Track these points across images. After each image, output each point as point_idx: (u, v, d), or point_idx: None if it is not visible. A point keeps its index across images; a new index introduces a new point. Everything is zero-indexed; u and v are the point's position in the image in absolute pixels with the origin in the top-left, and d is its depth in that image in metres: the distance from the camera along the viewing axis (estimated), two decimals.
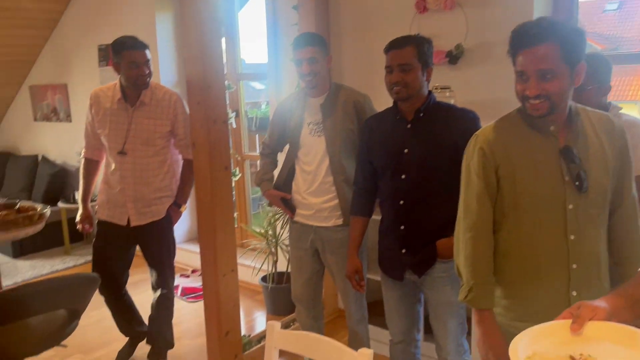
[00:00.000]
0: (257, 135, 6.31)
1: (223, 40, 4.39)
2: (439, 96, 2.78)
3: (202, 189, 2.82)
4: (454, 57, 2.94)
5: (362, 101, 2.48)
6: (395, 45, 2.04)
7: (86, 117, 2.85)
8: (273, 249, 3.79)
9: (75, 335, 3.44)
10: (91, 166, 2.93)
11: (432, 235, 2.07)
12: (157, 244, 2.88)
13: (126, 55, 2.61)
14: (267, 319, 3.77)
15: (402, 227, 2.09)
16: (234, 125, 4.46)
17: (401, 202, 2.07)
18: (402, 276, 2.15)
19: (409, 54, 2.00)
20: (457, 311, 2.12)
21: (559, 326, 1.11)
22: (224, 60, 4.41)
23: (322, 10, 3.40)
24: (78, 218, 2.91)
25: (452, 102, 2.78)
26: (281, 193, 2.57)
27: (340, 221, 2.48)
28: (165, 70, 4.68)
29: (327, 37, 3.44)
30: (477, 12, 2.86)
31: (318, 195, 2.48)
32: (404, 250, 2.11)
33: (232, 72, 4.46)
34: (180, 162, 2.93)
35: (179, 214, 2.95)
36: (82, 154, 2.93)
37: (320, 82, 2.42)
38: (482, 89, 2.90)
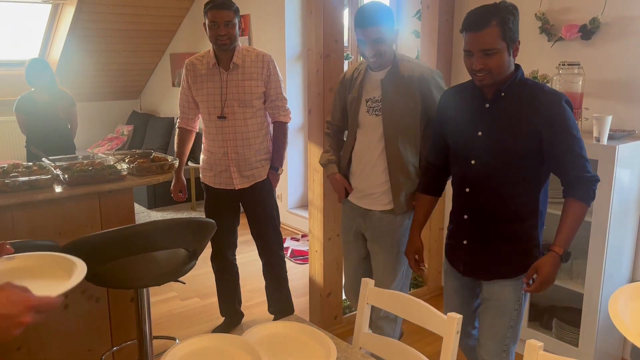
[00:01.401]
0: None
1: (346, 11, 4.48)
2: (566, 73, 2.63)
3: (314, 154, 2.95)
4: (587, 32, 2.73)
5: (429, 77, 2.23)
6: (473, 27, 1.71)
7: (181, 87, 2.89)
8: None
9: (195, 280, 3.82)
10: (185, 135, 2.95)
11: (498, 230, 1.87)
12: (261, 207, 2.90)
13: (209, 14, 2.60)
14: None
15: (466, 217, 1.92)
16: None
17: (467, 189, 1.89)
18: (461, 268, 2.00)
19: (492, 36, 1.68)
20: (510, 311, 1.91)
21: None
22: (347, 31, 4.49)
23: None
24: (172, 187, 2.98)
25: (580, 80, 2.60)
26: (346, 182, 2.39)
27: (389, 206, 2.30)
28: (291, 42, 4.86)
29: (451, 13, 3.36)
30: None
31: (370, 178, 2.31)
32: (465, 242, 1.95)
33: (354, 44, 4.52)
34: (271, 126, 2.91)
35: (277, 177, 2.93)
36: (177, 123, 2.99)
37: (386, 60, 2.21)
38: (617, 68, 2.67)
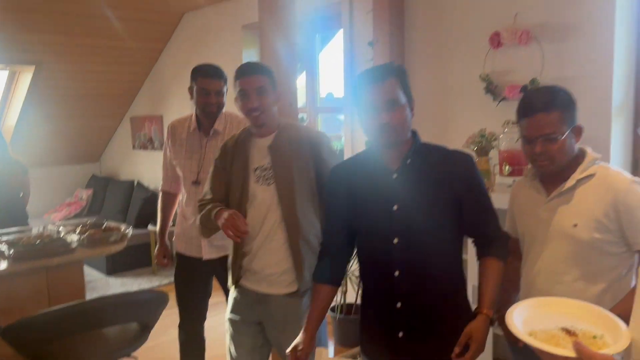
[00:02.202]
0: None
1: (304, 75, 4.60)
2: (511, 131, 2.74)
3: None
4: None
5: (319, 141, 2.10)
6: (532, 111, 1.62)
7: (163, 149, 2.88)
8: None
9: (150, 351, 3.66)
10: (168, 199, 2.90)
11: (439, 311, 1.66)
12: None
13: (199, 81, 2.61)
14: (335, 351, 3.78)
15: (399, 305, 1.65)
16: None
17: (396, 273, 1.64)
18: None
19: (555, 121, 1.59)
20: None
21: (549, 301, 1.31)
22: (304, 95, 4.60)
23: (396, 46, 3.47)
24: (155, 252, 2.89)
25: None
26: (240, 215, 1.99)
27: (292, 288, 2.05)
28: None
29: None
30: (554, 47, 2.80)
31: (267, 256, 2.05)
32: (401, 334, 1.66)
33: (311, 106, 4.62)
34: None
35: None
36: (160, 187, 2.95)
37: (269, 120, 2.05)
38: None
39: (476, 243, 1.73)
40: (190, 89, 2.68)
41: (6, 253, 2.22)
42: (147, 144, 6.31)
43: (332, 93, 6.15)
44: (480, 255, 1.70)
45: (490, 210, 1.69)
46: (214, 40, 5.17)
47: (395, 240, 1.63)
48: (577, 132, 1.67)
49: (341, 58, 4.00)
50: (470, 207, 1.65)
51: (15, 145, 5.42)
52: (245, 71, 2.02)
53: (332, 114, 5.59)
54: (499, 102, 3.01)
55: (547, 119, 1.59)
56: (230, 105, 2.38)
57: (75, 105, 6.10)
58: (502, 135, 2.78)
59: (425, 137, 1.74)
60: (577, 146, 1.70)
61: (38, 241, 2.30)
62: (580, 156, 1.70)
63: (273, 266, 2.05)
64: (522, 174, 1.93)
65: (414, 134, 1.69)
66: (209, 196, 2.15)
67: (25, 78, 5.54)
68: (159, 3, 4.94)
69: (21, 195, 4.19)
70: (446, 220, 1.64)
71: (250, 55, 4.87)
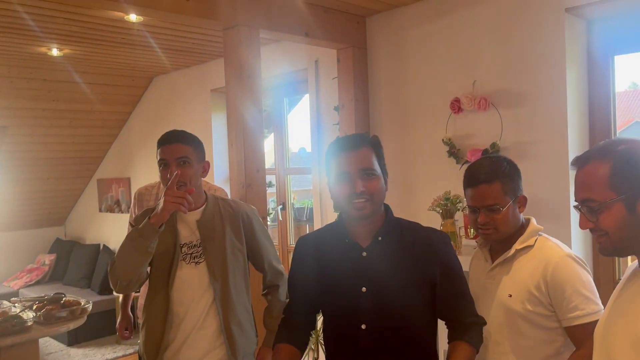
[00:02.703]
0: (307, 226, 6.42)
1: (272, 137, 4.65)
2: None
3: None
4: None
5: (251, 216, 2.00)
6: (474, 181, 1.66)
7: (129, 217, 2.79)
8: (313, 346, 3.73)
9: None
10: None
11: None
12: None
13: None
14: None
15: None
16: (280, 218, 4.57)
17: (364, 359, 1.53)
18: None
19: (496, 192, 1.62)
20: None
21: None
22: (274, 155, 4.64)
23: (361, 111, 3.55)
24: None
25: None
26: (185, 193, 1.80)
27: None
28: (219, 166, 4.94)
29: None
30: (511, 113, 2.91)
31: (197, 345, 1.83)
32: None
33: (280, 167, 4.65)
34: None
35: None
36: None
37: (195, 193, 1.87)
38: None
39: (449, 327, 1.63)
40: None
41: None
42: (114, 207, 6.20)
43: (304, 148, 6.23)
44: (453, 339, 1.60)
45: (466, 294, 1.60)
46: (182, 103, 5.22)
47: (363, 326, 1.50)
48: (521, 202, 1.71)
49: (308, 120, 4.07)
50: (445, 291, 1.54)
51: None
52: (167, 139, 1.88)
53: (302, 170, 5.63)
54: (462, 165, 3.09)
55: (489, 190, 1.63)
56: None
57: (40, 168, 5.99)
58: (466, 199, 2.83)
59: (391, 201, 1.69)
60: (522, 216, 1.73)
61: None
62: (525, 226, 1.72)
63: (205, 356, 1.84)
64: None
65: (387, 208, 1.59)
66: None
67: None
68: (128, 68, 4.99)
69: None
70: (419, 304, 1.52)
71: (219, 118, 4.92)
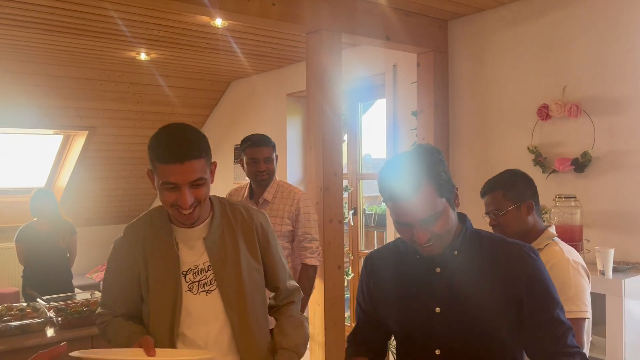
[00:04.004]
0: (375, 232, 6.39)
1: (345, 142, 4.65)
2: (563, 205, 2.66)
3: (318, 289, 2.89)
4: (580, 165, 2.81)
5: (265, 225, 1.64)
6: (406, 196, 1.26)
7: None
8: None
9: None
10: None
11: None
12: None
13: (248, 151, 2.65)
14: None
15: None
16: (352, 223, 4.56)
17: None
18: None
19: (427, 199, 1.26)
20: None
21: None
22: (346, 160, 4.64)
23: (441, 116, 3.48)
24: None
25: (577, 212, 2.62)
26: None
27: None
28: (292, 169, 5.01)
29: (446, 144, 3.49)
30: (605, 120, 2.75)
31: None
32: None
33: (353, 172, 4.64)
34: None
35: None
36: None
37: (204, 210, 1.52)
38: (613, 199, 2.71)
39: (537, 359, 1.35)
40: (241, 161, 2.73)
41: (55, 320, 2.23)
42: None
43: (369, 154, 6.20)
44: None
45: (560, 321, 1.29)
46: (258, 107, 5.32)
47: (438, 351, 1.33)
48: (527, 208, 1.86)
49: (383, 124, 4.03)
50: (533, 315, 1.29)
51: (63, 205, 5.58)
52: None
53: (375, 176, 5.61)
54: (549, 174, 2.95)
55: (490, 199, 1.91)
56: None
57: (122, 167, 6.30)
58: (553, 209, 2.70)
59: (471, 212, 1.60)
60: (541, 222, 1.91)
61: (85, 309, 2.31)
62: (541, 231, 1.88)
63: None
64: (577, 250, 1.97)
65: (463, 217, 1.38)
66: (107, 307, 1.54)
67: (79, 142, 5.78)
68: (209, 72, 5.16)
69: (67, 255, 4.28)
70: (501, 328, 1.30)
71: (294, 122, 4.98)
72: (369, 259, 1.49)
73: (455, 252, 1.34)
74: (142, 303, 1.51)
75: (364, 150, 4.85)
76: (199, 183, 1.43)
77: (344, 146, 4.71)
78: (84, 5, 3.16)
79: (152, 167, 1.44)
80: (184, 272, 1.49)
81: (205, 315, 1.49)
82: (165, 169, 1.38)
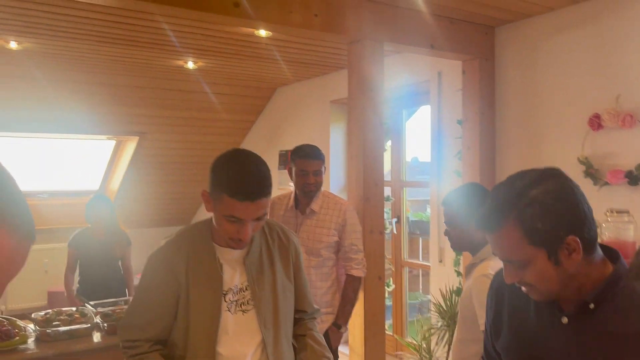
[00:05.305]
0: (420, 239, 6.30)
1: (389, 148, 4.61)
2: (615, 221, 2.54)
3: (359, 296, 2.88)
4: (634, 178, 2.68)
5: (299, 248, 1.67)
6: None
7: None
8: None
9: None
10: None
11: None
12: None
13: (298, 162, 2.69)
14: None
15: None
16: (395, 232, 4.51)
17: None
18: None
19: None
20: None
21: None
22: (389, 166, 4.59)
23: (487, 125, 3.40)
24: None
25: (631, 228, 2.50)
26: None
27: None
28: (335, 177, 5.01)
29: (492, 154, 3.40)
30: None
31: None
32: None
33: (396, 179, 4.59)
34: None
35: (340, 336, 2.65)
36: None
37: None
38: None
39: None
40: (289, 170, 2.76)
41: (101, 325, 2.31)
42: None
43: (417, 157, 6.11)
44: None
45: None
46: (303, 114, 5.35)
47: None
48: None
49: (428, 129, 3.97)
50: None
51: (115, 208, 5.79)
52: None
53: (418, 177, 5.53)
54: (601, 187, 2.83)
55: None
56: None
57: (170, 171, 6.48)
58: (605, 224, 2.59)
59: None
60: None
61: None
62: None
63: None
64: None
65: (615, 256, 1.09)
66: (140, 340, 1.49)
67: (130, 147, 5.98)
68: (253, 80, 5.23)
69: (120, 264, 4.12)
70: None
71: (337, 129, 4.98)
72: (494, 281, 1.29)
73: (591, 306, 1.06)
74: (174, 321, 1.50)
75: (408, 155, 4.80)
76: (262, 217, 1.43)
77: (387, 152, 4.68)
78: (135, 18, 3.27)
79: (214, 194, 1.43)
80: (225, 292, 1.50)
81: (241, 334, 1.50)
82: (235, 204, 1.36)
